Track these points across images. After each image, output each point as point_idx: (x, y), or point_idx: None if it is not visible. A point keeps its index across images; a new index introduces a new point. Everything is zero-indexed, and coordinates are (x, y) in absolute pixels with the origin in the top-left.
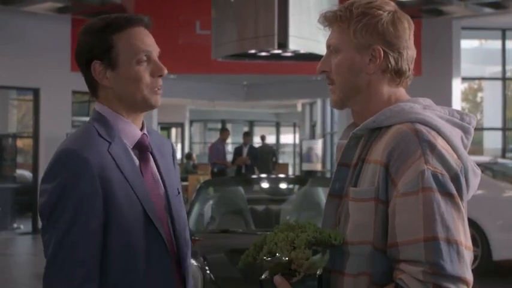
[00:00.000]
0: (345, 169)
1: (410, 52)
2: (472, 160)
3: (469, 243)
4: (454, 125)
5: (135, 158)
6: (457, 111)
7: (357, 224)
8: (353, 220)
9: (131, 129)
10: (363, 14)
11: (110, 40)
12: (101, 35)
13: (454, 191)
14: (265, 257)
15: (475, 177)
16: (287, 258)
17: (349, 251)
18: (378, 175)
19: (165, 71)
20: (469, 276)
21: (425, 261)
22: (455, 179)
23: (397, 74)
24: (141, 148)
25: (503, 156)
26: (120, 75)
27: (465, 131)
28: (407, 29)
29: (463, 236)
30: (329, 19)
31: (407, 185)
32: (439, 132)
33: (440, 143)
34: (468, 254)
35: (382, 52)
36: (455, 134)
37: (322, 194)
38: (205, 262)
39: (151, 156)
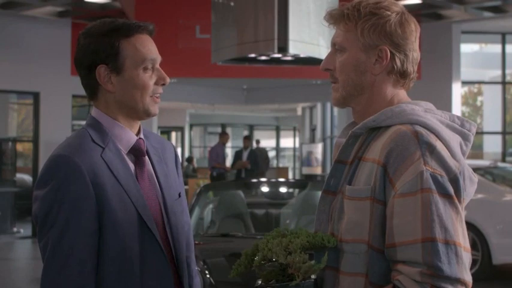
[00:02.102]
0: (341, 166)
1: (415, 54)
2: (469, 167)
3: (467, 245)
4: (453, 131)
5: (130, 162)
6: (458, 117)
7: (352, 222)
8: (348, 218)
9: (126, 135)
10: (371, 13)
11: (117, 45)
12: (108, 38)
13: (453, 193)
14: (259, 264)
15: (472, 185)
16: (282, 264)
17: (344, 248)
18: (375, 174)
19: (168, 80)
20: (468, 278)
21: (422, 262)
22: (454, 181)
23: (402, 76)
24: (137, 153)
25: (503, 160)
26: (126, 81)
27: (465, 137)
28: (414, 31)
29: (462, 238)
30: (335, 17)
31: (406, 185)
32: (438, 136)
33: (439, 146)
34: (466, 255)
35: (388, 53)
36: (454, 140)
37: None
38: (205, 266)
39: (148, 161)
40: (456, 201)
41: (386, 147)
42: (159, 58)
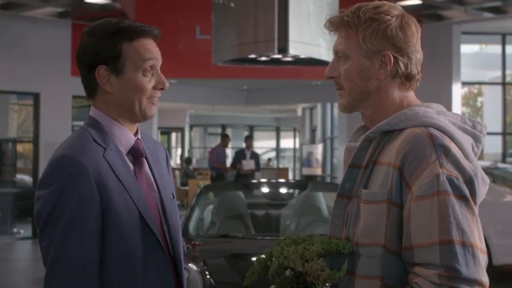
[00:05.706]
0: (355, 170)
1: (418, 55)
2: (481, 168)
3: (483, 246)
4: (465, 132)
5: (129, 163)
6: (469, 119)
7: (368, 226)
8: (364, 221)
9: (125, 135)
10: (371, 19)
11: (119, 47)
12: (111, 40)
13: (469, 195)
14: (275, 272)
15: (484, 186)
16: (298, 271)
17: (360, 252)
18: (391, 178)
19: (167, 85)
20: (485, 279)
21: (440, 264)
22: (470, 183)
23: (407, 78)
24: (135, 153)
25: (503, 160)
26: (124, 83)
27: (476, 139)
28: (415, 32)
29: (478, 239)
30: (335, 24)
31: (422, 188)
32: (451, 137)
33: (454, 148)
34: (483, 257)
35: (392, 58)
36: (467, 141)
37: (322, 199)
38: (205, 267)
39: (145, 161)
40: (472, 203)
41: (401, 150)
42: (160, 62)
